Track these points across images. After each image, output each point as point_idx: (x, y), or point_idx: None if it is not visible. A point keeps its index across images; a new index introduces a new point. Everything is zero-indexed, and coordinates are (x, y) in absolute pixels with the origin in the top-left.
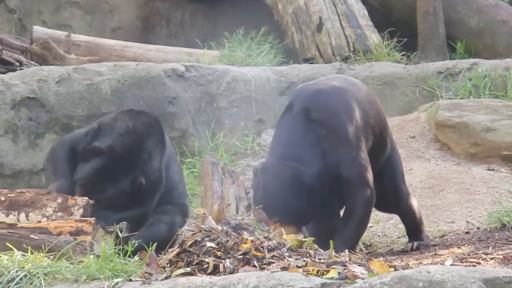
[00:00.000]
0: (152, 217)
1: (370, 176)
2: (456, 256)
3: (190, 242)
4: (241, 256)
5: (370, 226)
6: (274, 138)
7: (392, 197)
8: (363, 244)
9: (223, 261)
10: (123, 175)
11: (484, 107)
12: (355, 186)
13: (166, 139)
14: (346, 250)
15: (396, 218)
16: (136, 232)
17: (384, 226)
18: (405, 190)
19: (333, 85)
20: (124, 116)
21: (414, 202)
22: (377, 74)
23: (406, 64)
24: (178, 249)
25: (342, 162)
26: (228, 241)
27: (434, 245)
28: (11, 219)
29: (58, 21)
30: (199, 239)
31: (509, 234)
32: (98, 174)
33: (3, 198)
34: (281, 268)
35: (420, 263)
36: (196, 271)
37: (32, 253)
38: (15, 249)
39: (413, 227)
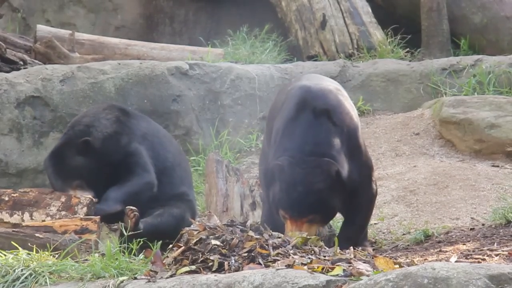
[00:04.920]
0: (162, 208)
1: (374, 175)
2: (461, 253)
3: (195, 240)
4: (246, 254)
5: (375, 223)
6: (286, 135)
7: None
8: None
9: (228, 259)
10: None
11: (488, 104)
12: (364, 187)
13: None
14: (351, 247)
15: (400, 215)
16: (145, 219)
17: (389, 223)
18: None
19: (339, 89)
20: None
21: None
22: (381, 71)
23: (410, 61)
24: (183, 247)
25: (356, 167)
26: (233, 239)
27: (439, 242)
28: (15, 219)
29: (61, 19)
30: (204, 237)
31: None
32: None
33: (6, 198)
34: (286, 266)
35: (425, 259)
36: (201, 269)
37: (37, 251)
38: (20, 248)
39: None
